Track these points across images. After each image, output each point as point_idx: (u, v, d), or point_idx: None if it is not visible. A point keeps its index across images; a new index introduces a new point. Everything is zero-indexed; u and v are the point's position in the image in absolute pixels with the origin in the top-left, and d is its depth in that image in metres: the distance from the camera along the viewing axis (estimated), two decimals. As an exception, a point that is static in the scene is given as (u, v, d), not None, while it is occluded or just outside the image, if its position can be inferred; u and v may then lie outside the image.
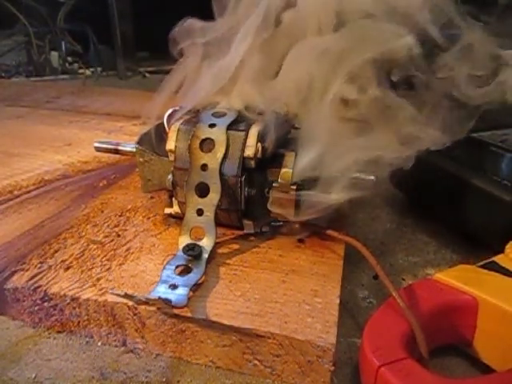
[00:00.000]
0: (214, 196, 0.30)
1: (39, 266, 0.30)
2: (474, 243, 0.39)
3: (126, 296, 0.24)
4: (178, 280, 0.27)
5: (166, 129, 0.34)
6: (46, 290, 0.28)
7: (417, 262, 0.37)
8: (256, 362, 0.25)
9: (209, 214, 0.30)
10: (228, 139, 0.31)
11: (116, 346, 0.27)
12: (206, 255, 0.29)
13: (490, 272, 0.28)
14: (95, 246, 0.32)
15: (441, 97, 0.31)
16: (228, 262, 0.31)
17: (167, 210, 0.35)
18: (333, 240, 0.33)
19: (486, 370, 0.26)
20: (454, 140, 0.31)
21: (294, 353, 0.24)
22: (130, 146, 0.36)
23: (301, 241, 0.33)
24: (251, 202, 0.32)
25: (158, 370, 0.26)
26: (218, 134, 0.31)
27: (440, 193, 0.41)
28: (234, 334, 0.25)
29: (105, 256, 0.31)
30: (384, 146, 0.29)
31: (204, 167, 0.31)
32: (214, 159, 0.31)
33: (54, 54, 1.23)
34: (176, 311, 0.25)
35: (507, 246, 0.30)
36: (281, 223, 0.33)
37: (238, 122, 0.32)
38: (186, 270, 0.28)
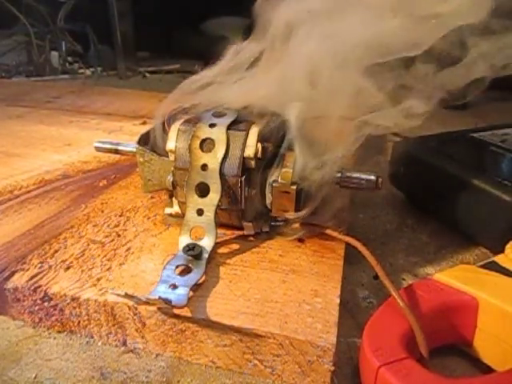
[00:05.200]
0: (214, 196, 0.30)
1: (39, 265, 0.30)
2: (474, 243, 0.39)
3: (127, 296, 0.24)
4: (178, 280, 0.27)
5: (166, 129, 0.34)
6: (46, 290, 0.28)
7: (417, 262, 0.37)
8: (256, 361, 0.25)
9: (209, 214, 0.30)
10: (228, 139, 0.31)
11: (116, 346, 0.27)
12: (206, 255, 0.29)
13: (490, 272, 0.28)
14: (95, 246, 0.32)
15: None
16: (228, 261, 0.31)
17: (167, 210, 0.35)
18: (333, 240, 0.33)
19: (486, 369, 0.26)
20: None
21: (294, 353, 0.24)
22: (130, 146, 0.36)
23: (301, 241, 0.33)
24: (251, 201, 0.32)
25: (158, 370, 0.26)
26: (218, 134, 0.31)
27: (440, 193, 0.41)
28: (234, 333, 0.25)
29: (105, 256, 0.31)
30: None
31: (204, 167, 0.31)
32: (214, 159, 0.31)
33: (54, 54, 1.23)
34: (176, 311, 0.26)
35: (507, 246, 0.30)
36: (281, 223, 0.33)
37: (238, 122, 0.32)
38: (186, 270, 0.28)
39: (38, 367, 0.26)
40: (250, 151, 0.31)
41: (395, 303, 0.25)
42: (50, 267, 0.30)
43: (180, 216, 0.33)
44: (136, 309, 0.26)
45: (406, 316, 0.24)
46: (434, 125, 0.67)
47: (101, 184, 0.43)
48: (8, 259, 0.31)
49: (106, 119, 0.65)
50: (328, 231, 0.33)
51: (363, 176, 0.31)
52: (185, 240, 0.30)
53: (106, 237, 0.33)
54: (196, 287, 0.27)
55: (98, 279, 0.29)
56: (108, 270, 0.30)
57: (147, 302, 0.25)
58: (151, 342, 0.27)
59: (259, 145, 0.31)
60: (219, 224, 0.32)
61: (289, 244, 0.33)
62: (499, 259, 0.29)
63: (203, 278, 0.28)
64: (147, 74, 1.23)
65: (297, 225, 0.33)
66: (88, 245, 0.32)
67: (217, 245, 0.31)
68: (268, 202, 0.32)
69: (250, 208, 0.32)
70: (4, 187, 0.42)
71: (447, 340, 0.27)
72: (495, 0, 0.27)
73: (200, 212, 0.30)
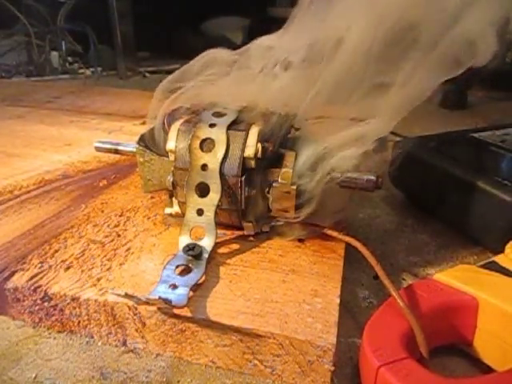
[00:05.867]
0: (214, 196, 0.30)
1: (39, 265, 0.30)
2: (474, 243, 0.39)
3: (127, 296, 0.24)
4: (178, 280, 0.27)
5: (166, 129, 0.34)
6: (46, 290, 0.28)
7: (417, 262, 0.37)
8: (256, 361, 0.25)
9: (209, 214, 0.30)
10: (228, 139, 0.31)
11: (116, 346, 0.27)
12: (206, 255, 0.29)
13: (490, 272, 0.28)
14: (95, 246, 0.32)
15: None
16: (228, 261, 0.31)
17: (167, 210, 0.35)
18: (333, 240, 0.33)
19: (486, 369, 0.26)
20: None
21: (294, 353, 0.24)
22: (130, 146, 0.36)
23: (301, 241, 0.33)
24: (251, 201, 0.32)
25: (159, 370, 0.26)
26: (218, 134, 0.31)
27: (440, 193, 0.41)
28: (234, 333, 0.25)
29: (105, 256, 0.31)
30: None
31: (204, 167, 0.31)
32: (214, 159, 0.31)
33: (55, 54, 1.23)
34: (176, 311, 0.26)
35: (507, 246, 0.30)
36: (281, 223, 0.33)
37: (239, 122, 0.32)
38: (186, 270, 0.28)
39: (37, 367, 0.26)
40: (250, 151, 0.31)
41: (395, 303, 0.25)
42: (50, 267, 0.30)
43: (180, 216, 0.33)
44: (136, 309, 0.26)
45: (406, 316, 0.24)
46: (434, 125, 0.67)
47: (101, 184, 0.43)
48: (8, 259, 0.31)
49: (106, 119, 0.65)
50: (328, 231, 0.33)
51: (363, 176, 0.31)
52: (185, 240, 0.30)
53: (106, 237, 0.33)
54: (196, 287, 0.27)
55: (98, 279, 0.29)
56: (108, 270, 0.30)
57: (147, 302, 0.25)
58: (151, 342, 0.27)
59: (259, 145, 0.31)
60: (219, 224, 0.32)
61: (289, 244, 0.33)
62: (499, 259, 0.29)
63: (203, 278, 0.28)
64: (147, 74, 1.23)
65: (297, 225, 0.33)
66: (88, 245, 0.32)
67: (217, 245, 0.31)
68: (268, 202, 0.32)
69: (250, 208, 0.32)
70: (4, 187, 0.42)
71: (447, 340, 0.27)
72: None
73: (200, 212, 0.30)
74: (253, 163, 0.31)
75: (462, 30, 0.27)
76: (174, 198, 0.34)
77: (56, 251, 0.32)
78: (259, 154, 0.31)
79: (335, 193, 0.31)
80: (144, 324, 0.26)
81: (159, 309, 0.26)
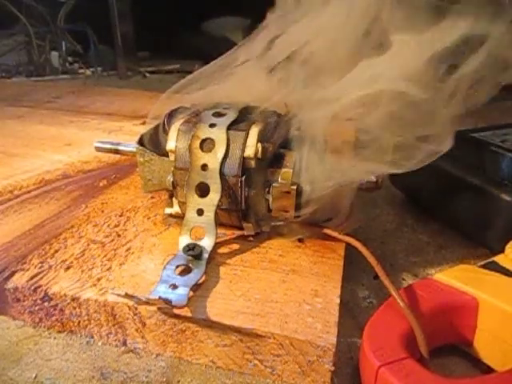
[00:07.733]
0: (214, 196, 0.30)
1: (39, 265, 0.30)
2: (474, 243, 0.39)
3: (127, 296, 0.24)
4: (179, 280, 0.27)
5: (166, 129, 0.34)
6: (46, 290, 0.28)
7: (417, 262, 0.37)
8: (256, 361, 0.25)
9: (209, 214, 0.30)
10: (228, 139, 0.31)
11: (116, 346, 0.27)
12: (206, 255, 0.29)
13: (490, 272, 0.28)
14: (95, 246, 0.32)
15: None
16: (228, 261, 0.31)
17: (167, 210, 0.35)
18: (333, 240, 0.33)
19: (486, 370, 0.26)
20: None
21: (294, 353, 0.24)
22: (130, 146, 0.36)
23: (301, 241, 0.33)
24: (251, 202, 0.32)
25: (159, 370, 0.26)
26: (219, 134, 0.31)
27: (440, 193, 0.41)
28: (234, 333, 0.25)
29: (105, 256, 0.31)
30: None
31: (204, 167, 0.31)
32: (214, 159, 0.31)
33: (55, 54, 1.23)
34: (176, 311, 0.26)
35: (507, 246, 0.30)
36: (281, 223, 0.33)
37: (239, 122, 0.32)
38: (186, 270, 0.28)
39: (38, 367, 0.26)
40: (250, 151, 0.31)
41: (395, 303, 0.25)
42: (50, 267, 0.30)
43: (180, 216, 0.33)
44: (136, 309, 0.26)
45: (406, 316, 0.24)
46: (434, 125, 0.66)
47: (101, 184, 0.43)
48: (8, 259, 0.31)
49: (106, 119, 0.65)
50: (328, 231, 0.33)
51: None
52: (185, 240, 0.30)
53: (106, 237, 0.33)
54: (196, 287, 0.27)
55: (98, 279, 0.29)
56: (108, 269, 0.30)
57: (147, 302, 0.25)
58: (151, 342, 0.27)
59: (259, 145, 0.31)
60: (219, 224, 0.32)
61: (289, 244, 0.33)
62: (499, 259, 0.29)
63: (203, 278, 0.28)
64: (147, 74, 1.23)
65: (297, 225, 0.33)
66: (88, 245, 0.32)
67: (217, 245, 0.31)
68: (268, 202, 0.32)
69: (250, 208, 0.32)
70: (4, 187, 0.42)
71: (447, 340, 0.27)
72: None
73: (200, 212, 0.30)
74: (253, 163, 0.31)
75: None
76: (174, 198, 0.34)
77: (56, 251, 0.32)
78: (259, 154, 0.31)
79: (335, 193, 0.31)
80: (144, 324, 0.26)
81: (159, 309, 0.26)
